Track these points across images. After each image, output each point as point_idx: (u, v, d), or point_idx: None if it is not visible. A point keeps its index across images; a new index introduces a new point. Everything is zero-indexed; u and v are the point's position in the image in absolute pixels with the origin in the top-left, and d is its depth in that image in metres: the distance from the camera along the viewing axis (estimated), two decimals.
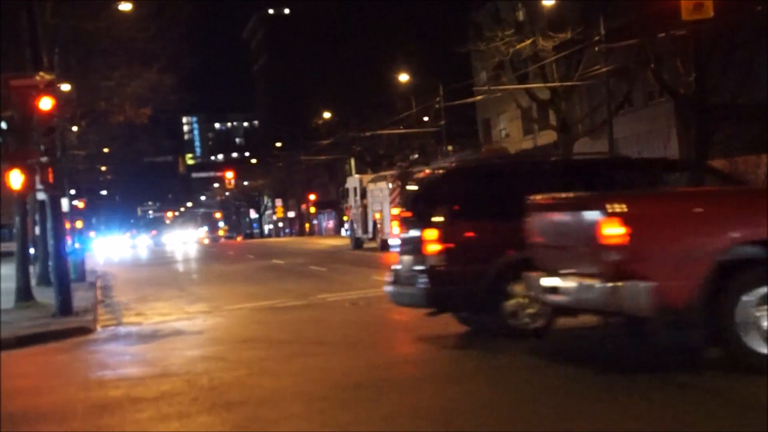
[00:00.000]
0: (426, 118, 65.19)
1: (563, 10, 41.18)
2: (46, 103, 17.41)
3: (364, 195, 49.37)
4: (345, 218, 56.84)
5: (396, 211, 40.57)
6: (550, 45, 39.68)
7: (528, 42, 40.42)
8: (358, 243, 49.72)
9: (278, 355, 11.87)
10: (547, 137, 53.17)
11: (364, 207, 48.90)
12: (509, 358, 10.31)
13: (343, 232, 59.79)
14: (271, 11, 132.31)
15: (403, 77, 64.50)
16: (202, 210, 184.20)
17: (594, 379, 8.94)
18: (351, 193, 52.08)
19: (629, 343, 10.36)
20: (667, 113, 42.76)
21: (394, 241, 34.83)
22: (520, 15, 47.94)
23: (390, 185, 44.73)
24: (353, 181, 52.95)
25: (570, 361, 10.07)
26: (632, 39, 36.82)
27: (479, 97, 55.53)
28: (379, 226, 46.00)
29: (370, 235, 47.81)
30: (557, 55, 40.96)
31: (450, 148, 66.62)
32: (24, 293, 21.68)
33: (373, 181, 48.54)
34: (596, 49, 38.96)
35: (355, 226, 50.69)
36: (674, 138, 43.18)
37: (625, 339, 10.43)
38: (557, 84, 43.33)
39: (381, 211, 45.62)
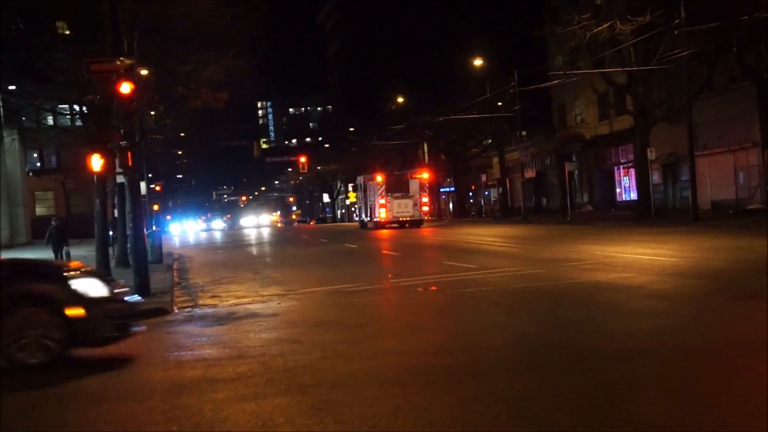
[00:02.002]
0: (500, 103, 64.66)
1: None
2: (125, 88, 17.72)
3: (365, 189, 63.14)
4: (355, 206, 74.36)
5: (382, 201, 59.44)
6: (628, 29, 39.01)
7: (606, 26, 39.81)
8: (362, 224, 64.64)
9: (351, 339, 11.90)
10: (624, 123, 52.46)
11: (366, 198, 63.03)
12: (575, 347, 10.22)
13: (355, 217, 77.11)
14: None
15: (478, 62, 64.05)
16: (275, 194, 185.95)
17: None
18: (358, 188, 67.34)
19: None
20: (748, 98, 41.75)
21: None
22: None
23: (379, 182, 60.09)
24: (359, 179, 67.51)
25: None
26: (713, 22, 36.03)
27: (554, 82, 54.89)
28: (370, 212, 61.51)
29: (368, 219, 62.19)
30: (635, 39, 40.25)
31: (524, 133, 66.16)
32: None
33: (370, 179, 62.35)
34: (676, 32, 38.18)
35: (360, 212, 66.61)
36: (756, 123, 42.20)
37: None
38: (635, 68, 42.63)
39: (374, 201, 60.34)
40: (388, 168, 72.67)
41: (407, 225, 58.26)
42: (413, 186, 60.65)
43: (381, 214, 59.73)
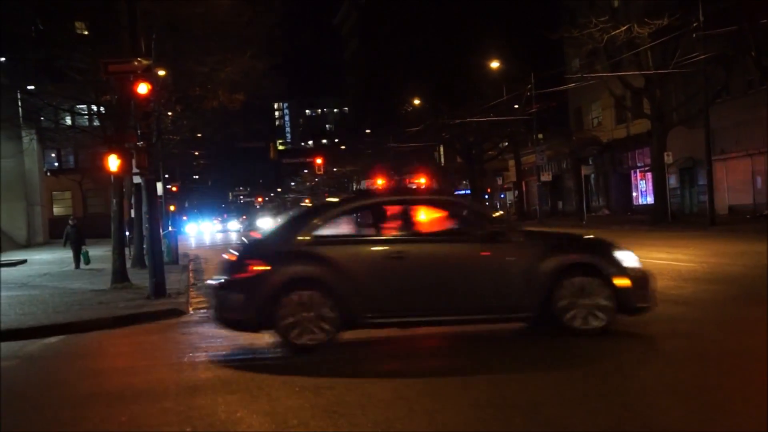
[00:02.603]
0: (516, 106, 64.50)
1: None
2: (142, 88, 17.78)
3: None
4: None
5: None
6: (645, 32, 38.85)
7: (623, 29, 39.65)
8: None
9: (366, 341, 11.89)
10: (641, 126, 52.27)
11: None
12: (602, 349, 10.19)
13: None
14: None
15: (494, 64, 63.91)
16: (291, 196, 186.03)
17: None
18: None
19: None
20: (767, 102, 41.44)
21: None
22: (615, 1, 47.14)
23: (379, 186, 65.87)
24: (362, 183, 78.51)
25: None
26: (732, 25, 35.88)
27: (571, 85, 54.75)
28: None
29: None
30: (653, 42, 40.09)
31: (540, 136, 66.00)
32: (120, 275, 22.23)
33: (372, 183, 70.34)
34: (694, 35, 38.01)
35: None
36: None
37: None
38: (652, 71, 42.47)
39: None
40: (392, 172, 79.54)
41: None
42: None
43: None
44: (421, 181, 70.03)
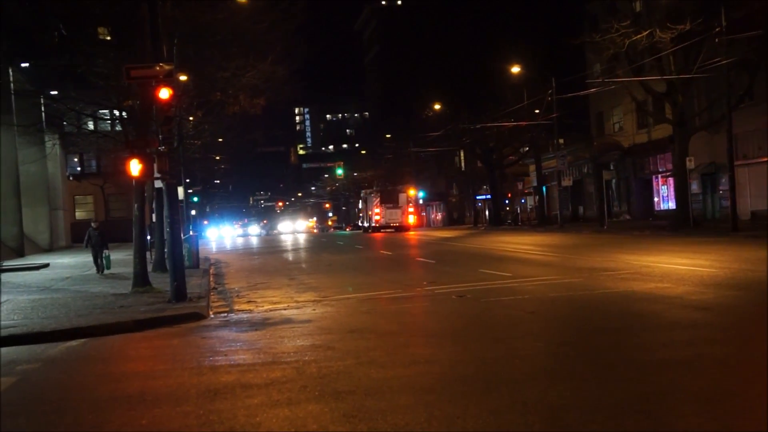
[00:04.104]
0: (537, 111, 64.35)
1: (682, 1, 40.03)
2: (164, 93, 17.88)
3: (366, 201, 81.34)
4: (359, 215, 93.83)
5: (377, 210, 76.41)
6: (667, 37, 38.64)
7: (645, 34, 39.46)
8: (365, 230, 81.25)
9: (386, 346, 11.89)
10: (662, 131, 52.02)
11: (366, 207, 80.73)
12: (610, 357, 10.15)
13: (359, 224, 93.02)
14: (383, 2, 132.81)
15: (515, 69, 63.80)
16: (312, 200, 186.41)
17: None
18: (362, 200, 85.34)
19: None
20: None
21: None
22: (637, 6, 46.96)
23: (374, 195, 78.17)
24: (363, 192, 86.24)
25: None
26: (755, 30, 35.65)
27: (592, 90, 54.54)
28: (369, 219, 78.44)
29: (368, 224, 79.39)
30: (675, 47, 39.87)
31: (561, 141, 65.77)
32: (141, 279, 22.34)
33: (368, 193, 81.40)
34: (716, 40, 37.78)
35: (363, 219, 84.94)
36: None
37: None
38: (674, 77, 42.23)
39: (371, 210, 77.49)
40: (383, 180, 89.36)
41: (400, 230, 74.37)
42: (402, 199, 76.66)
43: (376, 220, 76.42)
44: (411, 191, 78.42)
